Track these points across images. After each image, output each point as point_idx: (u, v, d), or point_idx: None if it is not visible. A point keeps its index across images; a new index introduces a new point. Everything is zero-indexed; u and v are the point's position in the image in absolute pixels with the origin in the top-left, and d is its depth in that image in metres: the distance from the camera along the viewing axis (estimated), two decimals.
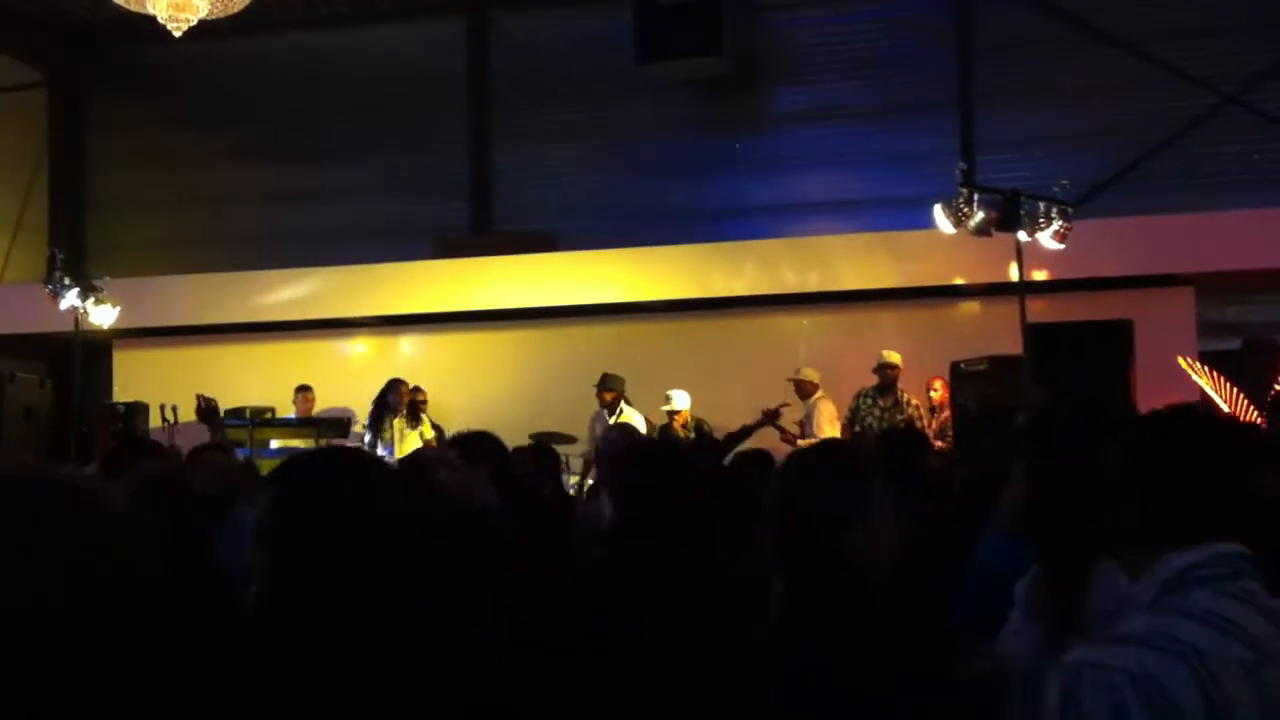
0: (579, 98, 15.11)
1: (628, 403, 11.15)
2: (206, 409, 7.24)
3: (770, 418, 10.48)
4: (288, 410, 12.24)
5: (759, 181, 14.50)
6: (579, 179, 15.17)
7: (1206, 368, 10.86)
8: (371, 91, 15.52)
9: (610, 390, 11.10)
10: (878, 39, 14.41)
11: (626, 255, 13.00)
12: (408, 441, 10.73)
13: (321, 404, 12.33)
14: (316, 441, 10.40)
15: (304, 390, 12.34)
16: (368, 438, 10.87)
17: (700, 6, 13.58)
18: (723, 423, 11.86)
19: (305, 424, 11.27)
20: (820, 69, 14.61)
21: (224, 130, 16.07)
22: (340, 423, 11.29)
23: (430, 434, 10.88)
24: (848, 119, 14.39)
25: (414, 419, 11.17)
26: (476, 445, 4.85)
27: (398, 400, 11.08)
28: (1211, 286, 11.75)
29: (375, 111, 15.57)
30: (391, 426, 10.97)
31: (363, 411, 12.02)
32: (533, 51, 15.35)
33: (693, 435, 10.88)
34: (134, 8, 9.79)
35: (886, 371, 10.67)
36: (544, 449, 6.13)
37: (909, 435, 6.75)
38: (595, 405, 11.33)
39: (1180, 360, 10.92)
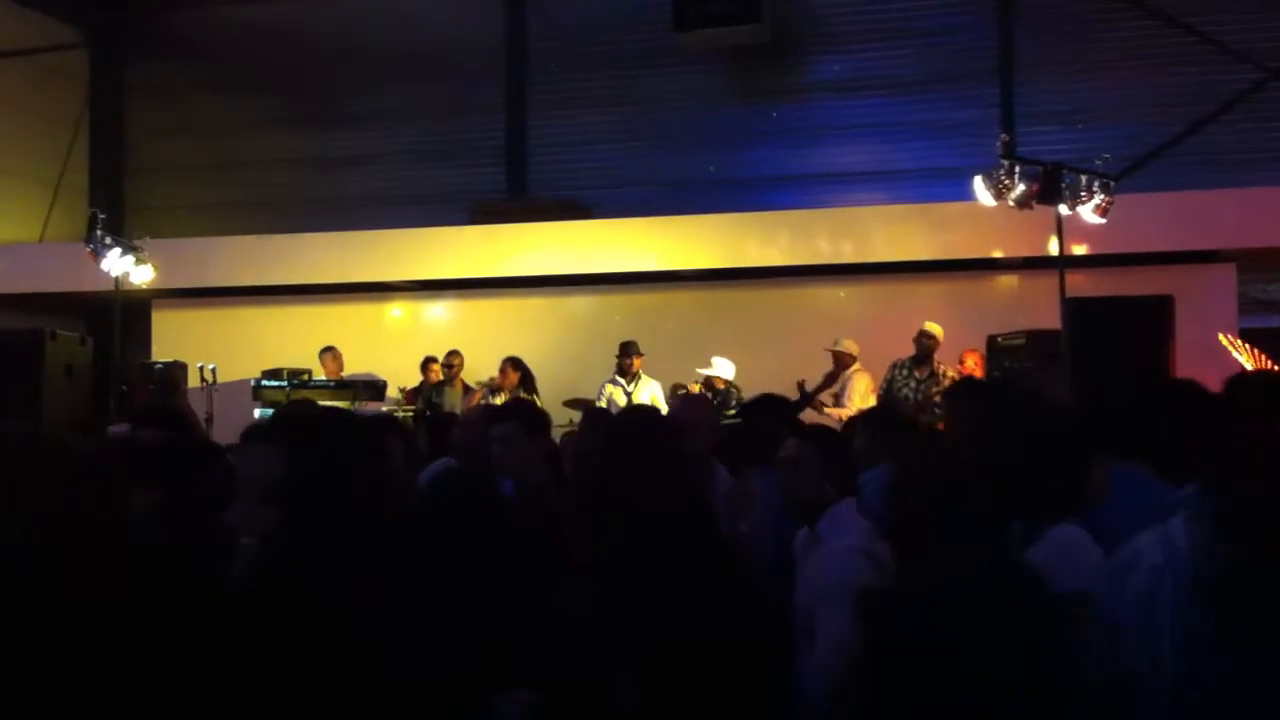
0: (615, 65, 15.05)
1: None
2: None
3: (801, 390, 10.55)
4: (321, 372, 12.30)
5: (795, 151, 14.43)
6: (614, 147, 15.13)
7: (1247, 345, 10.78)
8: (409, 57, 15.50)
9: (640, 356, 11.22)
10: (918, 8, 14.28)
11: (661, 224, 12.97)
12: None
13: (356, 367, 12.37)
14: (353, 403, 10.44)
15: (330, 351, 12.34)
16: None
17: None
18: (755, 393, 11.87)
19: (342, 386, 11.32)
20: (859, 38, 14.50)
21: (262, 94, 16.09)
22: (376, 386, 11.35)
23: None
24: (886, 89, 14.28)
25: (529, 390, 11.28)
26: (539, 419, 4.74)
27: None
28: (1254, 263, 11.64)
29: (412, 77, 15.55)
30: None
31: (397, 376, 12.10)
32: (569, 18, 15.30)
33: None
34: None
35: (925, 341, 10.60)
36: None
37: None
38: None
39: (1221, 337, 10.84)
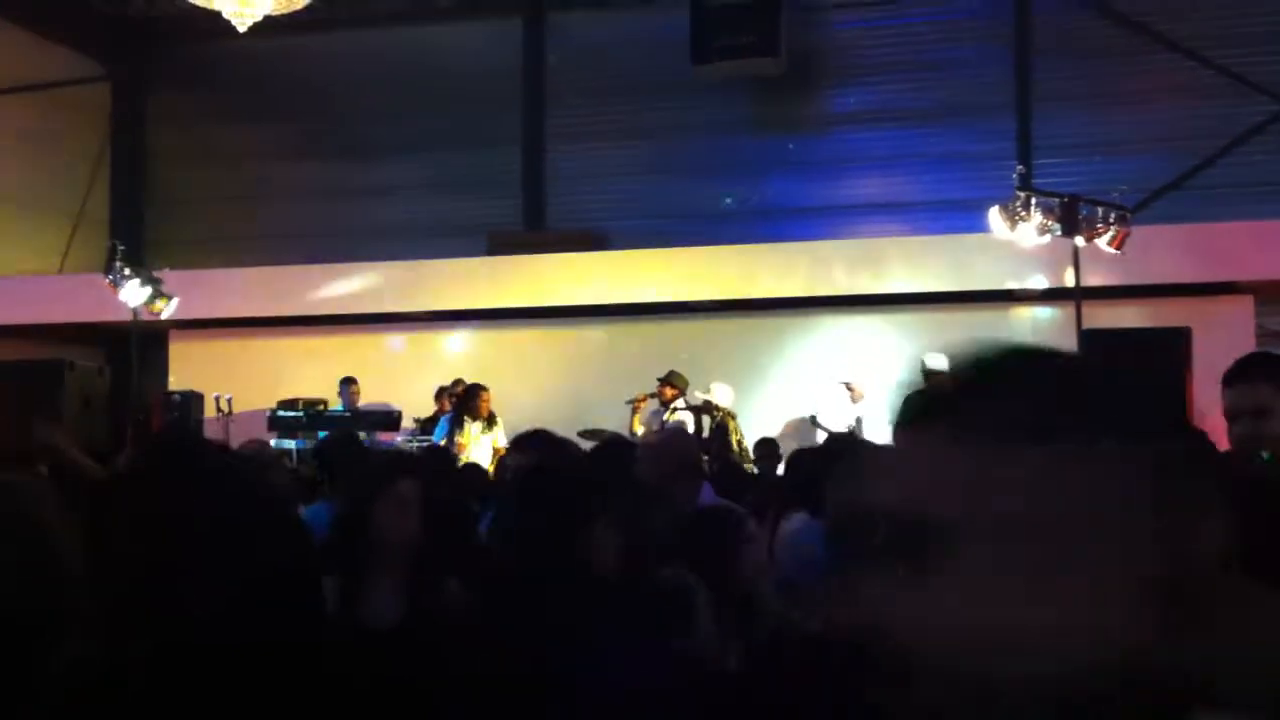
0: (633, 97, 15.11)
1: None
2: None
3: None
4: (338, 403, 12.31)
5: (812, 182, 14.44)
6: (632, 178, 15.17)
7: None
8: (427, 89, 15.60)
9: (674, 387, 11.15)
10: (934, 40, 14.30)
11: (678, 255, 12.98)
12: (481, 446, 10.74)
13: (372, 398, 12.39)
14: (367, 435, 10.46)
15: (350, 382, 12.37)
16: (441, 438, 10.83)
17: (756, 7, 13.56)
18: (772, 424, 11.88)
19: (355, 417, 11.34)
20: (876, 70, 14.53)
21: (282, 126, 16.21)
22: (390, 416, 11.36)
23: (500, 445, 10.77)
24: (903, 120, 14.29)
25: (490, 425, 11.16)
26: (551, 448, 4.69)
27: (477, 407, 11.09)
28: (1271, 294, 11.57)
29: (431, 109, 15.64)
30: (465, 430, 10.95)
31: (413, 406, 12.10)
32: (588, 51, 15.38)
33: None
34: (200, 2, 9.90)
35: (922, 375, 10.59)
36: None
37: None
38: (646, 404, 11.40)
39: None
